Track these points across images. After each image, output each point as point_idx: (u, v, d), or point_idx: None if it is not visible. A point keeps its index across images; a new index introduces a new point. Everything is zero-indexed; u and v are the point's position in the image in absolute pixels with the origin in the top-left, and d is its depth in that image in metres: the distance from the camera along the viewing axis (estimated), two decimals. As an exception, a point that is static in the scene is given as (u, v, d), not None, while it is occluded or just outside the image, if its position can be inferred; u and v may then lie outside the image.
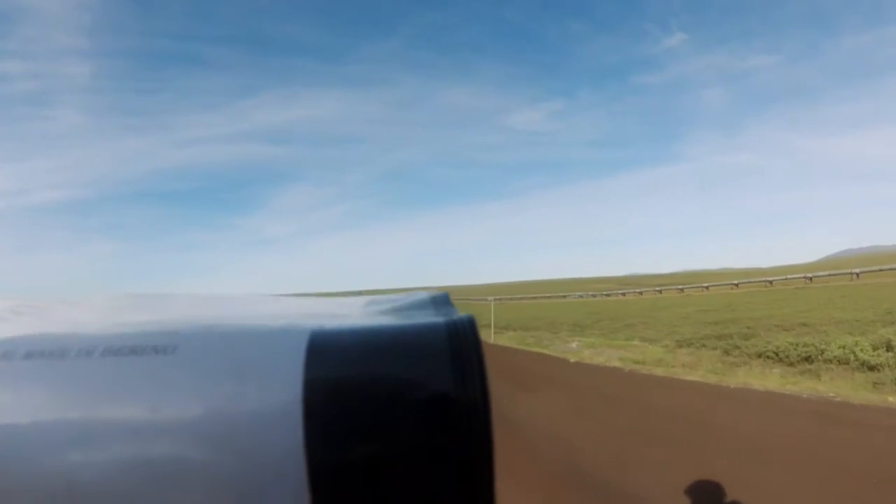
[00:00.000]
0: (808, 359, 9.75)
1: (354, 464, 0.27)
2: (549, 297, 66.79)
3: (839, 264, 56.66)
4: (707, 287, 49.54)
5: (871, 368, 8.62)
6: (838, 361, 9.23)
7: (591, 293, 64.47)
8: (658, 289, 55.78)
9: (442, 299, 0.40)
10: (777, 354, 10.43)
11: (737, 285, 46.84)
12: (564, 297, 64.67)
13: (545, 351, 16.17)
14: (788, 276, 44.45)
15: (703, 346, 13.30)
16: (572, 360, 13.76)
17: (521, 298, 68.96)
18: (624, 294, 56.81)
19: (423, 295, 0.42)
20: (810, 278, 41.20)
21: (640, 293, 55.11)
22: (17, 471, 0.25)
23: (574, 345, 16.49)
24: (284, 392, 0.27)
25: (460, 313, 0.34)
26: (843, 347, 9.64)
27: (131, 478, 0.26)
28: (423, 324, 0.31)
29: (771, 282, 44.40)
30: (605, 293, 61.88)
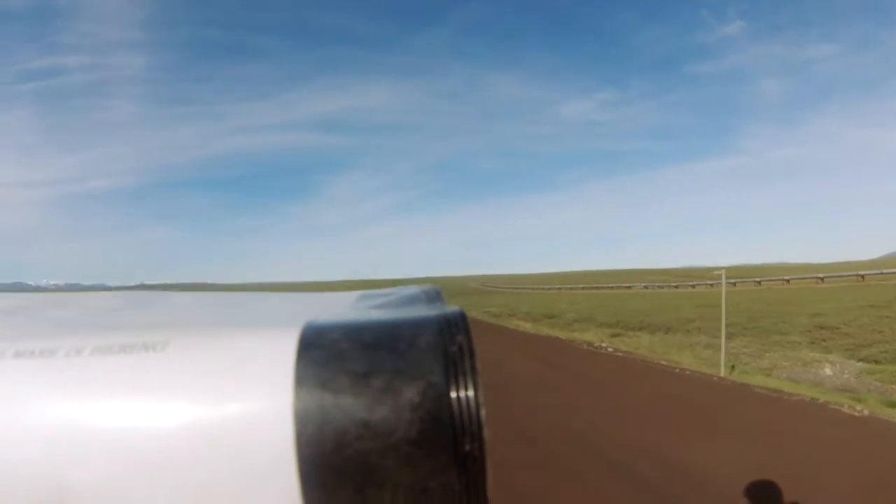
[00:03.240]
0: None
1: (346, 460, 0.27)
2: (612, 287, 63.63)
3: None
4: (788, 280, 45.79)
5: None
6: None
7: (657, 284, 60.95)
8: (733, 281, 51.86)
9: (434, 294, 0.41)
10: None
11: (822, 279, 43.09)
12: (629, 287, 61.46)
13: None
14: (884, 271, 40.20)
15: None
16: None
17: (579, 288, 66.29)
18: (693, 286, 53.34)
19: (415, 289, 0.43)
20: (862, 276, 38.73)
21: (711, 285, 51.80)
22: (6, 471, 0.26)
23: (829, 371, 9.97)
24: (274, 389, 0.27)
25: (453, 307, 0.34)
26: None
27: (122, 477, 0.26)
28: (415, 318, 0.31)
29: (863, 276, 40.60)
30: (673, 284, 58.40)
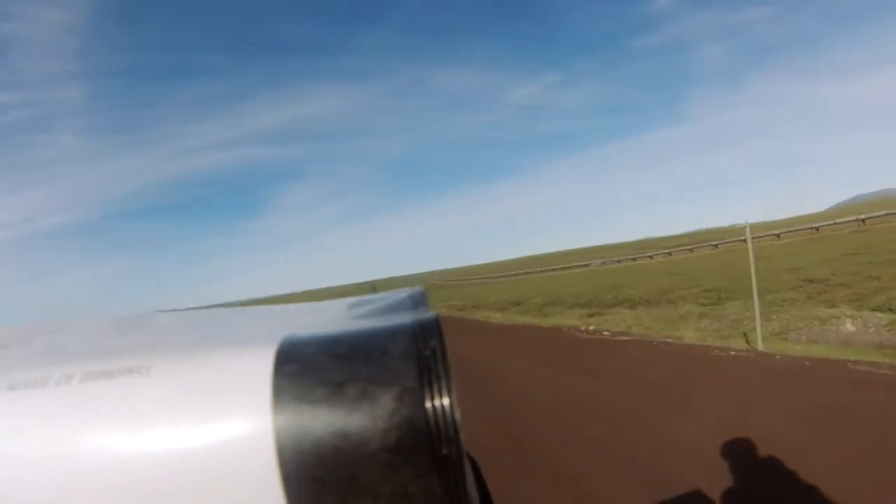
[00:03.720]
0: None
1: (328, 471, 0.27)
2: (570, 266, 63.04)
3: (849, 211, 52.42)
4: (744, 240, 45.57)
5: None
6: None
7: (614, 259, 60.60)
8: (690, 247, 51.81)
9: (419, 298, 0.42)
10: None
11: (779, 235, 43.17)
12: (587, 265, 60.93)
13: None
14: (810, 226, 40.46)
15: None
16: None
17: (537, 272, 65.51)
18: (651, 257, 53.07)
19: (402, 294, 0.43)
20: (817, 228, 39.48)
21: (669, 253, 51.73)
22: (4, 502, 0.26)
23: (851, 326, 8.48)
24: (254, 406, 0.28)
25: (428, 312, 0.35)
26: None
27: (113, 503, 0.26)
28: (389, 326, 0.31)
29: (817, 228, 40.78)
30: (630, 257, 58.08)
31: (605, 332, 11.51)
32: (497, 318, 18.74)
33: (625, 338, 10.62)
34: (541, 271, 66.27)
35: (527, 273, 67.51)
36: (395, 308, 0.39)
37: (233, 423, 0.27)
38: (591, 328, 11.98)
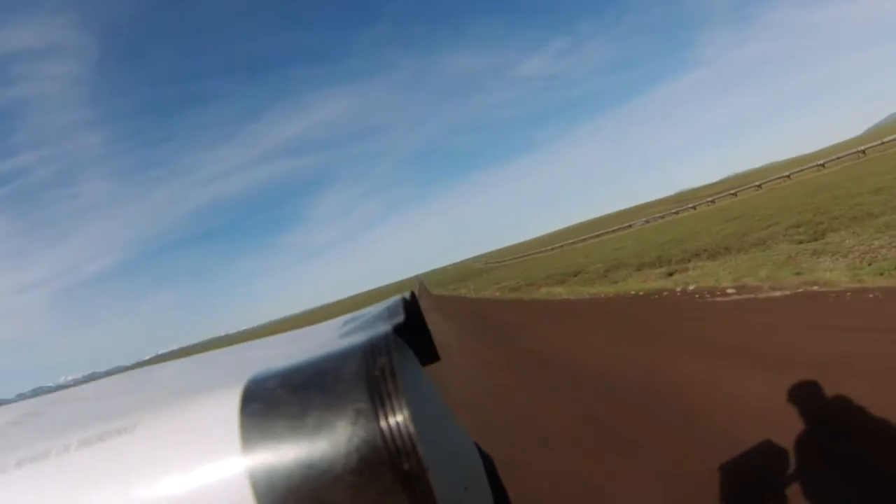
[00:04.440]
0: None
1: (300, 501, 0.29)
2: (614, 230, 61.04)
3: (887, 131, 49.05)
4: (789, 175, 43.26)
5: None
6: None
7: (656, 216, 58.37)
8: (733, 192, 49.36)
9: (394, 308, 0.42)
10: None
11: (823, 165, 40.56)
12: (629, 226, 58.91)
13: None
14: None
15: None
16: None
17: (580, 240, 63.72)
18: (694, 207, 50.81)
19: (382, 306, 0.44)
20: (864, 151, 37.38)
21: (713, 201, 49.48)
22: None
23: None
24: (226, 449, 0.29)
25: (384, 327, 0.35)
26: None
27: None
28: (342, 350, 0.32)
29: (864, 151, 38.14)
30: (672, 211, 55.82)
31: (731, 291, 8.36)
32: (561, 292, 17.31)
33: (760, 294, 7.61)
34: (583, 239, 64.59)
35: (571, 243, 65.72)
36: (373, 322, 0.39)
37: (210, 468, 0.29)
38: (690, 288, 9.98)
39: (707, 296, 8.79)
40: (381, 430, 0.29)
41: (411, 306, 0.44)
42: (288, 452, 0.29)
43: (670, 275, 12.60)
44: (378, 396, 0.29)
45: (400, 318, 0.38)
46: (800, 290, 7.20)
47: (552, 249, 67.75)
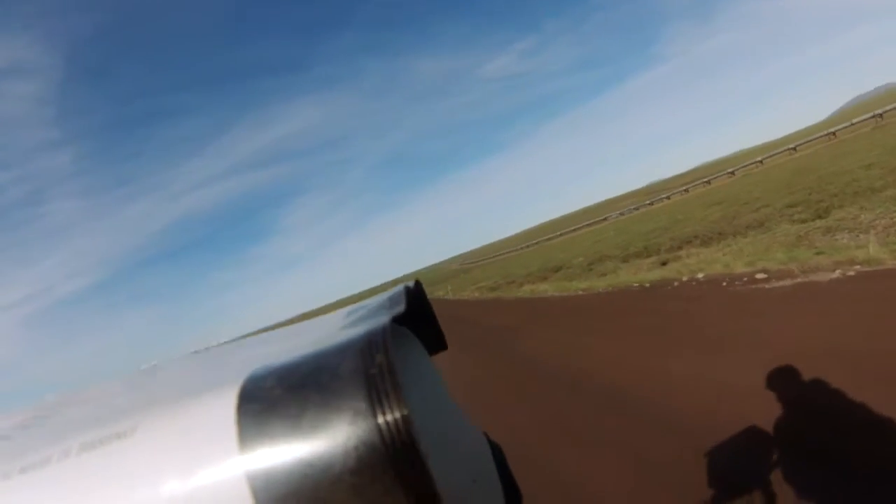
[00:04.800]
0: None
1: (300, 502, 0.28)
2: (589, 224, 60.46)
3: (853, 113, 49.86)
4: (761, 161, 43.20)
5: None
6: None
7: (631, 207, 57.92)
8: (707, 179, 49.15)
9: (396, 298, 0.41)
10: None
11: (794, 149, 40.60)
12: (605, 219, 58.34)
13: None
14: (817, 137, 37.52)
15: None
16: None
17: (556, 236, 63.02)
18: (668, 197, 50.46)
19: (385, 296, 0.43)
20: (834, 133, 37.69)
21: (686, 190, 49.25)
22: None
23: None
24: (224, 449, 0.29)
25: (379, 321, 0.34)
26: None
27: None
28: (337, 345, 0.31)
29: (835, 133, 38.30)
30: (647, 202, 55.45)
31: (761, 277, 6.99)
32: (546, 289, 16.18)
33: (801, 278, 6.28)
34: (559, 234, 63.89)
35: (547, 239, 64.97)
36: (375, 313, 0.38)
37: (209, 470, 0.28)
38: (699, 276, 8.71)
39: (737, 284, 7.24)
40: (380, 429, 0.28)
41: (416, 294, 0.43)
42: (286, 453, 0.28)
43: (663, 264, 11.56)
44: (376, 394, 0.29)
45: (401, 309, 0.37)
46: (849, 272, 5.94)
47: (528, 247, 66.92)
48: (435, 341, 0.48)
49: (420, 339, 0.44)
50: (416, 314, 0.41)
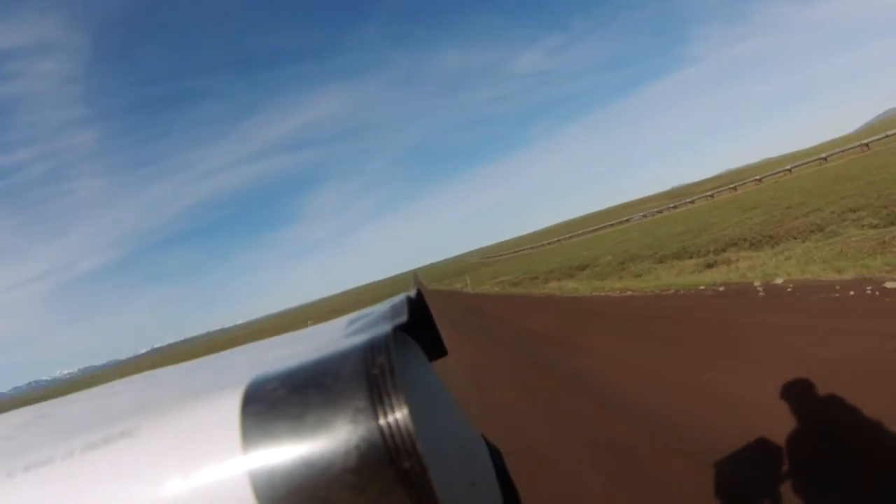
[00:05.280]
0: None
1: (301, 501, 0.28)
2: (611, 224, 59.30)
3: (885, 126, 48.33)
4: (790, 169, 41.91)
5: None
6: None
7: (653, 210, 56.64)
8: (733, 185, 47.82)
9: (398, 307, 0.41)
10: None
11: (825, 158, 39.26)
12: (627, 220, 57.15)
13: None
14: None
15: None
16: None
17: (578, 235, 61.93)
18: (693, 202, 49.23)
19: (385, 305, 0.44)
20: (867, 145, 36.37)
21: (712, 195, 48.02)
22: None
23: None
24: (227, 449, 0.29)
25: (384, 328, 0.34)
26: None
27: None
28: (342, 350, 0.31)
29: (867, 144, 36.89)
30: (670, 206, 54.18)
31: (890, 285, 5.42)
32: (577, 287, 15.29)
33: None
34: (580, 234, 62.81)
35: (567, 238, 63.89)
36: (377, 322, 0.39)
37: (211, 469, 0.28)
38: (777, 282, 7.27)
39: (853, 293, 5.62)
40: (381, 429, 0.28)
41: (417, 303, 0.44)
42: (288, 452, 0.29)
43: (709, 266, 10.67)
44: (377, 395, 0.29)
45: (403, 318, 0.37)
46: None
47: (547, 244, 65.94)
48: (435, 347, 0.47)
49: (420, 345, 0.45)
50: (417, 320, 0.41)
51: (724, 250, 12.12)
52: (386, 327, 0.33)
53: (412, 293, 0.44)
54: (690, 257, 13.04)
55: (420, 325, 0.43)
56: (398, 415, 0.29)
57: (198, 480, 0.28)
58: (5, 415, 0.42)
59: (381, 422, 0.28)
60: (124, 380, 0.48)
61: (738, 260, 10.25)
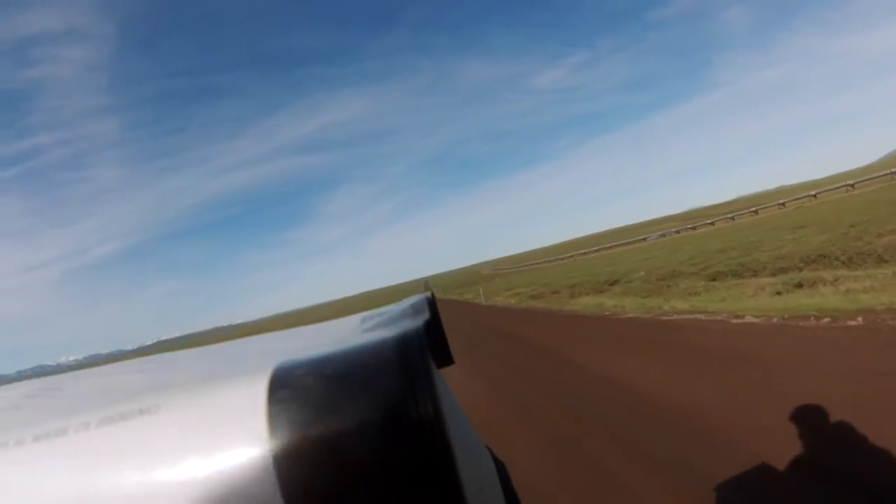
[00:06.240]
0: None
1: (327, 490, 0.27)
2: (627, 242, 56.96)
3: None
4: (815, 195, 40.00)
5: None
6: None
7: (672, 230, 54.28)
8: (754, 209, 45.60)
9: (420, 306, 0.41)
10: None
11: (853, 185, 37.28)
12: (644, 239, 54.81)
13: None
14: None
15: None
16: None
17: (593, 251, 59.66)
18: (713, 223, 46.96)
19: (406, 303, 0.43)
20: (852, 185, 36.61)
21: (732, 218, 45.83)
22: None
23: None
24: (252, 433, 0.28)
25: (417, 323, 0.34)
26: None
27: None
28: (374, 342, 0.31)
29: (815, 195, 35.18)
30: (689, 226, 51.88)
31: None
32: (616, 304, 13.05)
33: None
34: (596, 250, 60.55)
35: (583, 254, 61.58)
36: (398, 319, 0.38)
37: (234, 451, 0.27)
38: None
39: None
40: (413, 424, 0.27)
41: (431, 306, 0.43)
42: (315, 441, 0.27)
43: (798, 286, 8.46)
44: (411, 390, 0.28)
45: (426, 316, 0.37)
46: None
47: (561, 259, 63.68)
48: (442, 355, 0.45)
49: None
50: (427, 326, 0.39)
51: (799, 269, 9.90)
52: (416, 323, 0.32)
53: (429, 293, 0.43)
54: (755, 275, 10.82)
55: (429, 331, 0.39)
56: (431, 411, 0.27)
57: (220, 463, 0.27)
58: (11, 385, 0.40)
59: (415, 417, 0.27)
60: (137, 360, 0.46)
61: (835, 280, 8.03)
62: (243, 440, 0.27)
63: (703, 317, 8.53)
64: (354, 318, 0.44)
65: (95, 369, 0.43)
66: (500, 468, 0.48)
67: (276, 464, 0.27)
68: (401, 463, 0.27)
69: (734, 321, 7.64)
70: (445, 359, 0.45)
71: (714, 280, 11.87)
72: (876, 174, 39.00)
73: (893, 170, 36.21)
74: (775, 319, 7.08)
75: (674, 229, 54.69)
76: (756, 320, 7.36)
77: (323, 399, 0.28)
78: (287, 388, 0.28)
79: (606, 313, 12.20)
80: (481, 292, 33.60)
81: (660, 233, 55.83)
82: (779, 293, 8.49)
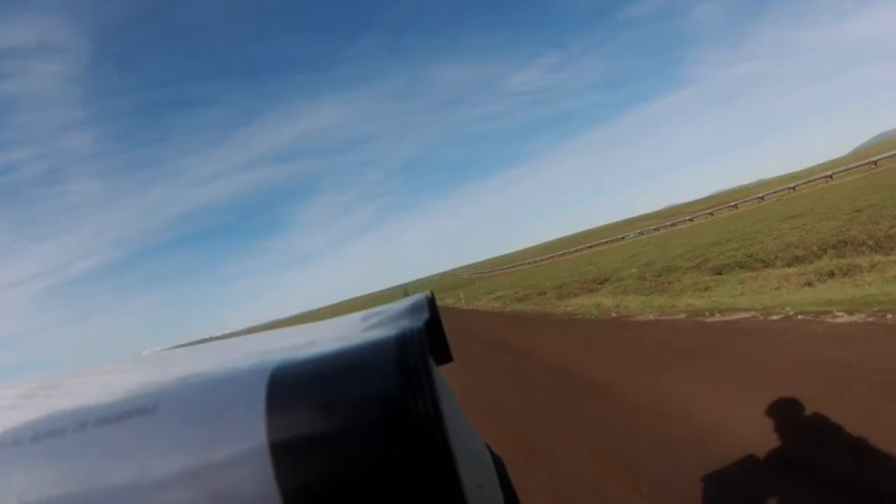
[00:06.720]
0: None
1: (326, 489, 0.27)
2: (606, 241, 56.23)
3: (872, 152, 47.94)
4: (794, 187, 39.73)
5: None
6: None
7: (651, 228, 53.69)
8: (734, 203, 45.25)
9: (418, 305, 0.41)
10: None
11: (831, 177, 37.07)
12: (622, 238, 54.12)
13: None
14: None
15: None
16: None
17: (572, 251, 58.81)
18: (692, 220, 46.49)
19: (405, 303, 0.43)
20: (831, 176, 36.65)
21: (712, 213, 45.46)
22: None
23: None
24: (250, 432, 0.27)
25: (416, 322, 0.34)
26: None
27: None
28: (374, 341, 0.31)
29: (875, 162, 34.94)
30: (667, 223, 51.38)
31: None
32: (618, 304, 11.76)
33: None
34: (576, 250, 59.63)
35: (561, 254, 60.71)
36: (398, 317, 0.38)
37: (233, 451, 0.27)
38: None
39: None
40: (413, 422, 0.27)
41: (431, 305, 0.43)
42: (315, 440, 0.27)
43: (831, 275, 7.27)
44: (411, 388, 0.27)
45: (426, 315, 0.36)
46: None
47: (540, 261, 62.72)
48: (441, 352, 0.44)
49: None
50: (426, 324, 0.39)
51: (818, 257, 8.75)
52: (416, 321, 0.33)
53: (429, 293, 0.43)
54: (766, 266, 9.65)
55: (429, 330, 0.38)
56: (431, 409, 0.27)
57: (219, 462, 0.27)
58: (8, 384, 0.38)
59: (414, 415, 0.27)
60: (132, 359, 0.44)
61: (874, 267, 6.84)
62: (242, 439, 0.27)
63: (759, 315, 6.56)
64: (355, 317, 0.43)
65: (93, 368, 0.41)
66: (499, 465, 0.47)
67: (275, 463, 0.27)
68: (400, 461, 0.27)
69: (818, 320, 5.59)
70: (444, 356, 0.44)
71: (720, 273, 10.70)
72: (853, 164, 38.88)
73: (872, 159, 36.13)
74: (858, 316, 5.29)
75: (653, 227, 54.06)
76: (844, 318, 5.38)
77: (322, 397, 0.27)
78: (286, 386, 0.28)
79: (614, 315, 10.57)
80: (461, 297, 32.28)
81: (637, 231, 55.20)
82: (809, 283, 7.29)
